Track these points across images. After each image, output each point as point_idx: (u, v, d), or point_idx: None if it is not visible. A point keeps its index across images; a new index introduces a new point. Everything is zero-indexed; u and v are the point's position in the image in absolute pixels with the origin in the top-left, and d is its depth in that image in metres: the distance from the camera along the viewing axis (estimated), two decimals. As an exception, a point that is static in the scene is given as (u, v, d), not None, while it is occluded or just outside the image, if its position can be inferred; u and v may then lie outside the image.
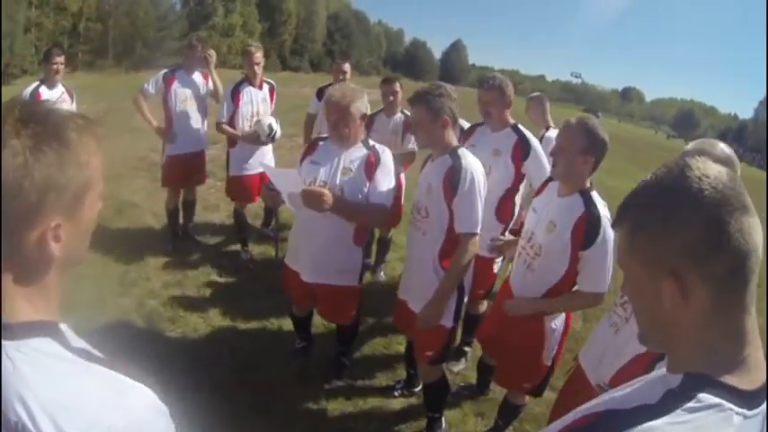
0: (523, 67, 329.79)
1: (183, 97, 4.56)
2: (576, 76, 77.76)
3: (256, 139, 4.46)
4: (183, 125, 4.60)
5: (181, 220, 5.12)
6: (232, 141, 4.68)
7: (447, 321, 2.53)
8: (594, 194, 2.26)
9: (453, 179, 2.40)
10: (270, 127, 4.40)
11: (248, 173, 4.63)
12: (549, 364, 2.53)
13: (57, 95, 4.41)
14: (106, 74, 18.45)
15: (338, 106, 2.64)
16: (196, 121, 4.69)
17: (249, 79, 4.58)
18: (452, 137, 2.54)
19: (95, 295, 4.01)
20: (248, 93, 4.56)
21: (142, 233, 5.27)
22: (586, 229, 2.18)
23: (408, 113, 4.31)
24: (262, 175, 4.63)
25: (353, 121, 2.67)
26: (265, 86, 4.71)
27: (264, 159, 4.64)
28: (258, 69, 4.54)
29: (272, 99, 4.77)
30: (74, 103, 4.60)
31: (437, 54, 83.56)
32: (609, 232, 2.14)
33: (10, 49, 17.07)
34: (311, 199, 2.48)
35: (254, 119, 4.53)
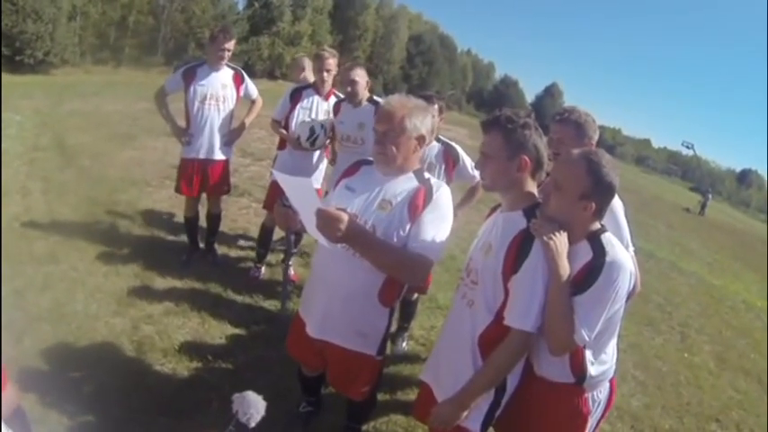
0: (627, 128, 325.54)
1: (203, 96, 4.61)
2: (688, 147, 74.98)
3: (299, 143, 4.44)
4: (199, 127, 4.67)
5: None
6: (281, 143, 4.81)
7: (474, 425, 2.20)
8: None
9: (523, 249, 2.03)
10: (312, 130, 4.35)
11: None
12: None
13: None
14: (153, 72, 19.30)
15: (390, 116, 2.37)
16: (217, 124, 4.71)
17: (316, 87, 4.63)
18: (532, 185, 2.19)
19: (87, 310, 4.04)
20: (310, 98, 4.62)
21: (156, 247, 5.37)
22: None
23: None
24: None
25: (406, 139, 2.38)
26: (333, 99, 4.66)
27: (313, 171, 4.71)
28: (327, 77, 4.53)
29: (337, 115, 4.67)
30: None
31: (529, 97, 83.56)
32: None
33: (51, 36, 17.96)
34: (324, 221, 2.16)
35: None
